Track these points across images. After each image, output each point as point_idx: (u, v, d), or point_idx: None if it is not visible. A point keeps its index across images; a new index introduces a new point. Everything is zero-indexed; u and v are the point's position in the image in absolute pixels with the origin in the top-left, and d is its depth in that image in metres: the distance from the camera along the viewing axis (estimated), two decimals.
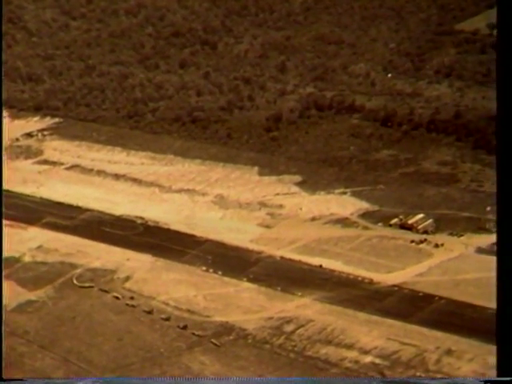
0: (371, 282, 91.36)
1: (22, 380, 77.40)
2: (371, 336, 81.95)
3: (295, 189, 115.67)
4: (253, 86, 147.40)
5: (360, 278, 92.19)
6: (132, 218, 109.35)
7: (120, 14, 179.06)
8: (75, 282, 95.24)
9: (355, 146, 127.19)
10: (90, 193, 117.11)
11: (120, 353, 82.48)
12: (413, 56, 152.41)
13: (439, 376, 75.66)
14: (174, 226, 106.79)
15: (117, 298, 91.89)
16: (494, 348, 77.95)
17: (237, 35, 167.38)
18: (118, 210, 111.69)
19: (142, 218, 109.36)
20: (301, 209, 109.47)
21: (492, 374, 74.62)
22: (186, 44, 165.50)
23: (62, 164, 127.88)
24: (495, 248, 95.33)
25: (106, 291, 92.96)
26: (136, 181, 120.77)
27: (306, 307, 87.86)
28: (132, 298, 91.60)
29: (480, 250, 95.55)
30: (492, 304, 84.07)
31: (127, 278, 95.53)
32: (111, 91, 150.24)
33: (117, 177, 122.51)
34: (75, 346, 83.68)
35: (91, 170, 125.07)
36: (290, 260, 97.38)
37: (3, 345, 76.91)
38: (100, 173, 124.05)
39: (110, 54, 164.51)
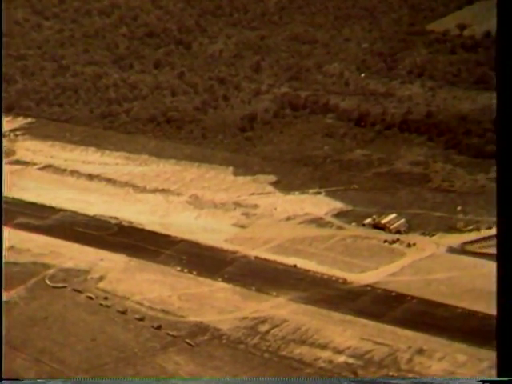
0: (345, 281, 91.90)
1: (22, 380, 77.17)
2: (345, 336, 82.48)
3: (270, 189, 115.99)
4: (227, 86, 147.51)
5: (334, 278, 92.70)
6: (106, 218, 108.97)
7: (93, 14, 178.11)
8: (48, 282, 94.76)
9: (329, 146, 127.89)
10: (63, 193, 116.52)
11: (93, 353, 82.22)
12: (385, 56, 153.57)
13: (410, 375, 76.42)
14: (149, 226, 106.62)
15: (90, 298, 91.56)
16: (463, 346, 79.53)
17: (211, 35, 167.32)
18: (92, 210, 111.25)
19: (116, 218, 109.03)
20: (275, 209, 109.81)
21: (464, 373, 75.88)
22: (160, 44, 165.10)
23: (34, 164, 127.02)
24: (466, 247, 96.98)
25: (79, 291, 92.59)
26: (110, 181, 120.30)
27: (280, 307, 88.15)
28: (106, 298, 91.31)
29: (451, 250, 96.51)
30: (462, 303, 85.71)
31: (101, 278, 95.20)
32: (85, 91, 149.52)
33: (91, 177, 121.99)
34: (47, 347, 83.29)
35: (64, 171, 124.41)
36: (265, 260, 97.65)
37: (3, 345, 76.51)
38: (73, 173, 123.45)
39: (84, 54, 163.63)
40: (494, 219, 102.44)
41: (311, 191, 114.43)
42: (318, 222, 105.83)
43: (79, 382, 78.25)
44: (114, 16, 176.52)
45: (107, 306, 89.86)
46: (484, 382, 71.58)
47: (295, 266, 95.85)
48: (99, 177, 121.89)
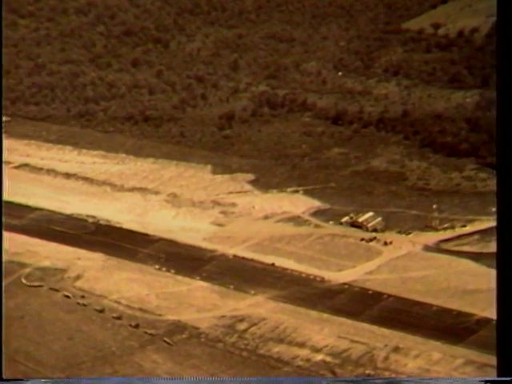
0: (323, 280, 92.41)
1: (22, 380, 76.88)
2: (322, 334, 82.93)
3: (248, 187, 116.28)
4: (205, 85, 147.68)
5: (312, 277, 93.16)
6: (83, 217, 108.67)
7: (70, 12, 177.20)
8: (24, 281, 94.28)
9: (307, 145, 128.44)
10: (39, 192, 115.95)
11: (70, 352, 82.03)
12: (362, 54, 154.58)
13: (387, 374, 77.02)
14: (127, 225, 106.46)
15: (67, 296, 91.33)
16: (438, 344, 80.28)
17: (189, 34, 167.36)
18: (69, 209, 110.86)
19: (93, 216, 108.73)
20: (253, 207, 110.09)
21: (438, 370, 76.58)
22: (138, 43, 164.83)
23: (10, 163, 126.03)
24: (441, 245, 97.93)
25: (56, 290, 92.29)
26: (87, 180, 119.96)
27: (258, 306, 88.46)
28: (83, 296, 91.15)
29: (427, 248, 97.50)
30: (437, 301, 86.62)
31: (78, 277, 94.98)
32: (61, 90, 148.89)
33: (67, 176, 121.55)
34: (23, 346, 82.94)
35: (41, 169, 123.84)
36: (243, 258, 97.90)
37: (3, 345, 76.12)
38: (50, 172, 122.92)
39: (61, 53, 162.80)
40: (469, 217, 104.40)
41: (289, 189, 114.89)
42: (296, 220, 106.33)
43: (79, 381, 78.20)
44: (91, 15, 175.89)
45: (84, 305, 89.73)
46: (485, 382, 71.55)
47: (273, 264, 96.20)
48: (76, 175, 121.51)
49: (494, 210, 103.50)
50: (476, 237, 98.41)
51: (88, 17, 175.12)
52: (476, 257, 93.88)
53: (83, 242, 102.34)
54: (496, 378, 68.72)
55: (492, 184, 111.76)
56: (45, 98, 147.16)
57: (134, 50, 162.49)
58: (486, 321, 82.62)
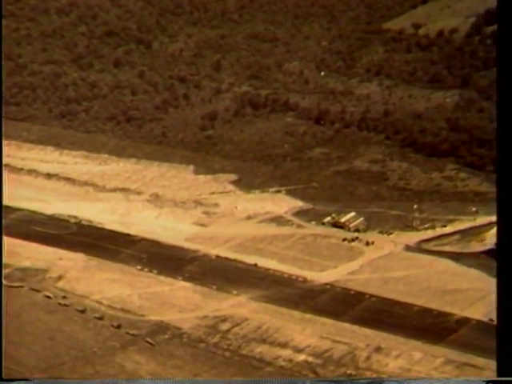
0: (305, 280, 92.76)
1: (21, 380, 76.68)
2: (305, 334, 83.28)
3: (230, 187, 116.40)
4: (188, 85, 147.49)
5: (294, 277, 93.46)
6: (65, 218, 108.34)
7: (51, 12, 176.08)
8: (4, 281, 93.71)
9: (289, 145, 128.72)
10: (20, 192, 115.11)
11: (51, 352, 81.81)
12: (344, 54, 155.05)
13: (368, 373, 77.43)
14: (109, 225, 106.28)
15: (48, 297, 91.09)
16: (419, 344, 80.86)
17: (171, 34, 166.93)
18: (50, 210, 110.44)
19: (75, 217, 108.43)
20: (236, 207, 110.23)
21: (419, 370, 77.02)
22: (120, 43, 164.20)
23: None
24: (422, 245, 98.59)
25: (37, 290, 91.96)
26: (69, 180, 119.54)
27: (241, 306, 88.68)
28: (64, 297, 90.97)
29: (408, 248, 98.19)
30: (419, 301, 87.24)
31: (59, 278, 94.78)
32: (43, 90, 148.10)
33: (49, 176, 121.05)
34: (3, 347, 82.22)
35: (21, 170, 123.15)
36: (226, 259, 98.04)
37: (3, 345, 75.67)
38: (31, 172, 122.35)
39: (42, 53, 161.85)
40: (449, 217, 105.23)
41: (271, 190, 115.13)
42: (279, 220, 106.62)
43: (80, 382, 78.02)
44: (73, 15, 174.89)
45: (66, 305, 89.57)
46: (486, 382, 71.58)
47: (256, 264, 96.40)
48: (58, 176, 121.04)
49: (474, 209, 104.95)
50: (456, 237, 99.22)
51: (69, 17, 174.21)
52: (456, 257, 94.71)
53: (65, 243, 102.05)
54: (496, 378, 68.81)
55: (472, 184, 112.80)
56: (26, 99, 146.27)
57: (115, 50, 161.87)
58: (466, 320, 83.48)
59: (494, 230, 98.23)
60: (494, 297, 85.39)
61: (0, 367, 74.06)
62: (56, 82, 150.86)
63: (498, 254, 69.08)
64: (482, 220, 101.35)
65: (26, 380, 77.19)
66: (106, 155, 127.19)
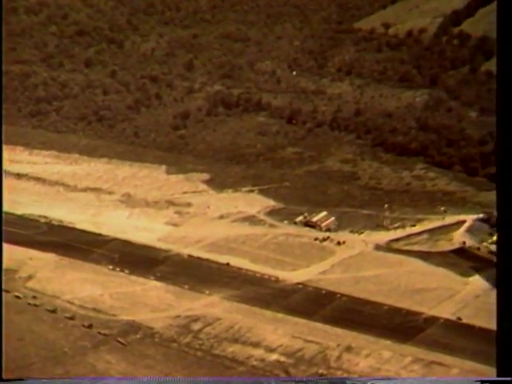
0: (277, 279, 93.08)
1: (22, 380, 76.14)
2: (277, 334, 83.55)
3: (203, 187, 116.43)
4: (160, 85, 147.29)
5: (266, 276, 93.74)
6: (35, 217, 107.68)
7: (20, 12, 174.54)
8: None
9: (262, 144, 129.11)
10: None
11: (20, 353, 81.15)
12: (316, 54, 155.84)
13: (339, 373, 77.94)
14: (80, 225, 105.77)
15: (18, 297, 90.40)
16: (388, 343, 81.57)
17: (143, 34, 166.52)
18: (20, 210, 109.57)
19: (45, 217, 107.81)
20: (209, 207, 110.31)
21: (388, 369, 77.71)
22: (91, 43, 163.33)
23: None
24: (392, 245, 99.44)
25: (6, 291, 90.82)
26: (39, 180, 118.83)
27: (213, 305, 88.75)
28: (34, 297, 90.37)
29: (378, 247, 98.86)
30: (388, 300, 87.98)
31: (30, 278, 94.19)
32: (12, 90, 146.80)
33: (18, 176, 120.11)
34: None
35: None
36: (198, 258, 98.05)
37: (3, 345, 74.82)
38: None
39: (11, 53, 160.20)
40: (418, 216, 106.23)
41: (244, 189, 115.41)
42: (251, 220, 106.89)
43: (79, 382, 77.57)
44: (42, 14, 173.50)
45: (36, 305, 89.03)
46: (485, 382, 71.82)
47: (228, 264, 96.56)
48: (27, 176, 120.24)
49: (442, 209, 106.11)
50: (425, 236, 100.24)
51: (39, 16, 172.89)
52: (425, 256, 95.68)
53: (35, 243, 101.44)
54: (496, 378, 69.11)
55: (441, 183, 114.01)
56: None
57: (87, 50, 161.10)
58: (434, 319, 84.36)
59: (462, 229, 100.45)
60: (461, 295, 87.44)
61: (0, 367, 73.58)
62: (25, 81, 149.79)
63: (498, 255, 69.38)
64: (451, 219, 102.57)
65: (26, 380, 76.60)
66: (77, 155, 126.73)
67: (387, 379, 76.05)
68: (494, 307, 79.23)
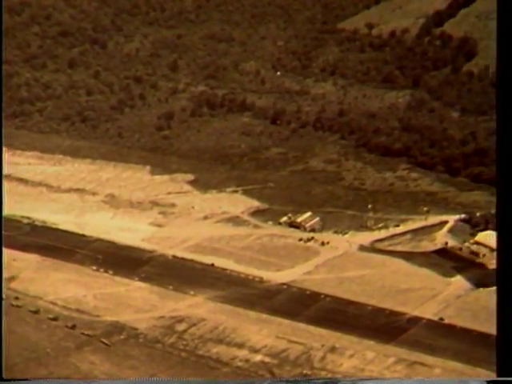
0: (261, 280, 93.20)
1: (22, 380, 75.74)
2: (261, 335, 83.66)
3: (187, 187, 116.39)
4: (144, 85, 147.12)
5: (251, 277, 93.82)
6: (18, 218, 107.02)
7: (2, 12, 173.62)
8: None
9: (246, 144, 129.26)
10: None
11: (2, 354, 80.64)
12: (299, 54, 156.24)
13: (323, 373, 78.18)
14: (63, 226, 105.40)
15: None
16: (372, 343, 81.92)
17: (127, 34, 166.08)
18: (3, 210, 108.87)
19: (28, 217, 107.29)
20: (193, 207, 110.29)
21: (372, 369, 78.00)
22: (74, 43, 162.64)
23: None
24: (376, 245, 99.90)
25: None
26: (22, 181, 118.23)
27: (198, 306, 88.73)
28: (17, 298, 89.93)
29: (362, 248, 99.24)
30: (372, 301, 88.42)
31: (13, 278, 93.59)
32: None
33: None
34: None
35: None
36: (183, 259, 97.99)
37: (3, 345, 74.46)
38: None
39: None
40: (402, 217, 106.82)
41: (228, 190, 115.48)
42: (235, 220, 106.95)
43: (78, 382, 77.32)
44: (25, 15, 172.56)
45: (18, 306, 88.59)
46: (485, 382, 72.03)
47: (213, 264, 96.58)
48: (10, 177, 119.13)
49: (425, 209, 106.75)
50: (408, 236, 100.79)
51: (22, 17, 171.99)
52: (408, 256, 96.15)
53: (18, 243, 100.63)
54: (496, 378, 69.06)
55: (423, 184, 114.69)
56: None
57: (70, 50, 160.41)
58: (417, 319, 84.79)
59: (445, 230, 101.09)
60: (444, 296, 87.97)
61: (0, 367, 73.21)
62: (8, 82, 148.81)
63: (498, 257, 69.65)
64: (433, 220, 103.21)
65: (25, 380, 76.32)
66: (60, 156, 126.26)
67: (388, 380, 76.37)
68: (476, 307, 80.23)
